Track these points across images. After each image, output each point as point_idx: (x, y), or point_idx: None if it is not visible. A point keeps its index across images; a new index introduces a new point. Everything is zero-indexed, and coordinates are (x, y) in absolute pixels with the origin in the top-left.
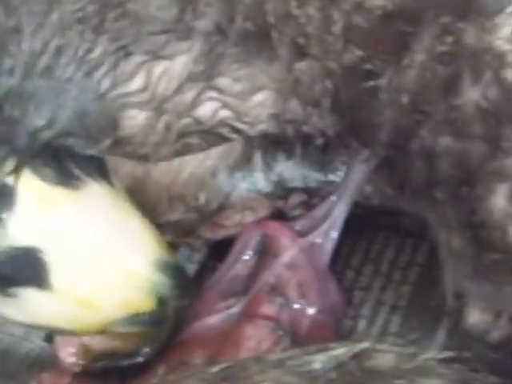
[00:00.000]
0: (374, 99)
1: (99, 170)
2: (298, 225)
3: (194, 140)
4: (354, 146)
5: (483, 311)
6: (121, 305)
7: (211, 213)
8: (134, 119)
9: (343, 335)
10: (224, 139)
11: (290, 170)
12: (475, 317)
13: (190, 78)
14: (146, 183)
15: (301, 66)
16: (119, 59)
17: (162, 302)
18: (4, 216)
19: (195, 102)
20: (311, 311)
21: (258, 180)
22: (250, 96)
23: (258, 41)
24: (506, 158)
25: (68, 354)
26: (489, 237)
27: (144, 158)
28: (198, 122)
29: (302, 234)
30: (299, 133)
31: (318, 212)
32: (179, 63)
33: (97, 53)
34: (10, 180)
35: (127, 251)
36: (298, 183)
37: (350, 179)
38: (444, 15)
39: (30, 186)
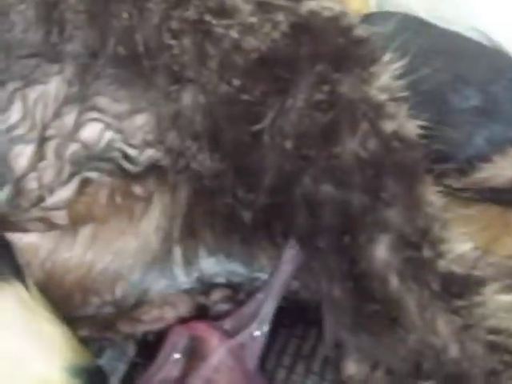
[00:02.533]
0: (258, 143)
1: (12, 268)
2: (226, 324)
3: (91, 174)
4: (239, 194)
5: (359, 362)
6: None
7: (129, 308)
8: (22, 155)
9: None
10: (121, 170)
11: (212, 265)
12: (352, 368)
13: (67, 100)
14: (59, 276)
15: (180, 95)
16: None
17: None
18: None
19: (78, 125)
20: None
21: (178, 275)
22: (131, 117)
23: (133, 66)
24: (386, 209)
25: None
26: (369, 287)
27: (43, 208)
28: (85, 146)
29: (230, 334)
30: (189, 170)
31: (246, 310)
32: (53, 86)
33: None
34: None
35: (39, 358)
36: (220, 279)
37: (277, 276)
38: (319, 64)
39: None
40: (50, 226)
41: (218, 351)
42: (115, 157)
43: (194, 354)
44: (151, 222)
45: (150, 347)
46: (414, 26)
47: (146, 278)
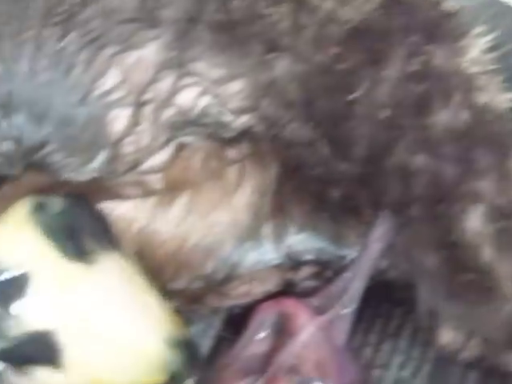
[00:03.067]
0: (351, 112)
1: (109, 239)
2: (314, 302)
3: (187, 138)
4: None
5: (456, 330)
6: (133, 382)
7: (218, 283)
8: (119, 119)
9: None
10: (215, 135)
11: (301, 242)
12: (448, 336)
13: (165, 65)
14: (152, 249)
15: (275, 63)
16: (91, 55)
17: (174, 378)
18: (17, 306)
19: (174, 90)
20: None
21: (268, 251)
22: (228, 82)
23: (230, 32)
24: (478, 180)
25: None
26: (463, 256)
27: (139, 172)
28: (181, 111)
29: (318, 311)
30: (281, 139)
31: (334, 288)
32: (151, 51)
33: (69, 51)
34: (23, 267)
35: (140, 329)
36: (309, 256)
37: (366, 255)
38: (412, 36)
39: (46, 265)
40: (145, 190)
41: (307, 327)
42: (210, 122)
43: (283, 331)
44: (243, 198)
45: (236, 321)
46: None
47: (237, 253)
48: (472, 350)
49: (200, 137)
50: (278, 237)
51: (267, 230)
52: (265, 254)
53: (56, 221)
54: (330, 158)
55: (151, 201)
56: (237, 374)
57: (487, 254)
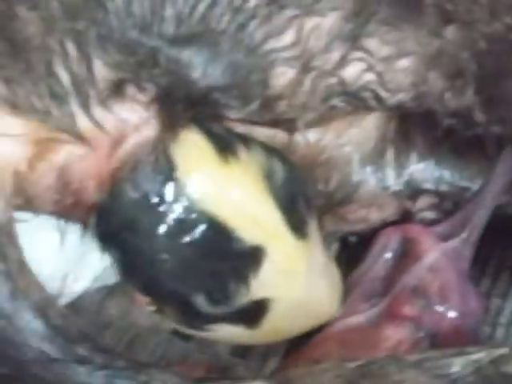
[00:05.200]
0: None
1: (313, 205)
2: (438, 229)
3: (338, 103)
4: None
5: None
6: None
7: (337, 202)
8: (283, 76)
9: (481, 342)
10: (365, 107)
11: (422, 170)
12: None
13: (339, 37)
14: None
15: (447, 33)
16: (272, 12)
17: None
18: (250, 276)
19: (342, 62)
20: (452, 315)
21: (389, 177)
22: (396, 61)
23: (408, 4)
24: None
25: None
26: None
27: (290, 124)
28: (342, 82)
29: (442, 238)
30: (429, 112)
31: (458, 218)
32: (330, 20)
33: (251, 4)
34: (261, 240)
35: (327, 299)
36: (429, 185)
37: (489, 188)
38: None
39: (280, 245)
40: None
41: (431, 252)
42: (366, 96)
43: (406, 255)
44: (372, 120)
45: (350, 251)
46: None
47: (359, 174)
48: None
49: (351, 105)
50: (400, 163)
51: (390, 155)
52: (385, 179)
53: (283, 190)
54: (486, 122)
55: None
56: (360, 295)
57: None
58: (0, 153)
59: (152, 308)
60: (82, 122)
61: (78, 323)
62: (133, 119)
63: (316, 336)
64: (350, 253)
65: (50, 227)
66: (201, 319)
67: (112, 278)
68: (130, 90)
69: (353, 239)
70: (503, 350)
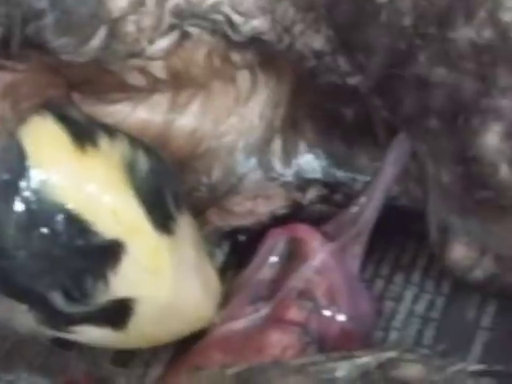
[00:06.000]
0: (374, 19)
1: (184, 200)
2: (326, 228)
3: (192, 29)
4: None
5: (468, 247)
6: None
7: (222, 194)
8: None
9: (373, 347)
10: (222, 34)
11: (310, 161)
12: (459, 252)
13: None
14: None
15: None
16: None
17: None
18: (108, 273)
19: None
20: (341, 318)
21: (276, 167)
22: None
23: None
24: (501, 98)
25: None
26: (480, 173)
27: (141, 56)
28: (188, 1)
29: (330, 237)
30: (292, 50)
31: (346, 215)
32: None
33: None
34: (120, 234)
35: (201, 300)
36: (318, 176)
37: (380, 180)
38: None
39: (140, 236)
40: (150, 79)
41: (318, 253)
42: (218, 20)
43: (293, 256)
44: (256, 107)
45: (241, 251)
46: None
47: (244, 165)
48: (485, 268)
49: (206, 32)
50: (287, 153)
51: (277, 144)
52: (272, 169)
53: (147, 183)
54: (346, 70)
55: (165, 105)
56: (245, 300)
57: (504, 172)
58: None
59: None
60: None
61: None
62: None
63: (199, 342)
64: (240, 254)
65: None
66: (62, 319)
67: None
68: None
69: (242, 238)
70: (391, 354)
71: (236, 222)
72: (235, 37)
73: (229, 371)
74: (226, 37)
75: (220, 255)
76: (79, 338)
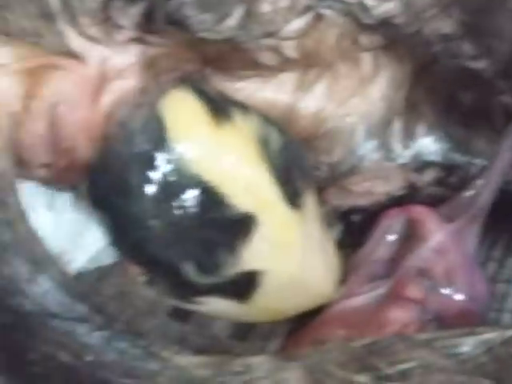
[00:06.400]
0: (503, 5)
1: (311, 176)
2: (443, 210)
3: (325, 11)
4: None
5: None
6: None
7: (341, 174)
8: None
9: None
10: (354, 17)
11: (429, 143)
12: None
13: None
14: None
15: None
16: None
17: None
18: (240, 245)
19: None
20: (459, 298)
21: (395, 149)
22: None
23: None
24: None
25: None
26: None
27: (275, 36)
28: None
29: (447, 219)
30: (419, 34)
31: (463, 198)
32: None
33: None
34: (253, 208)
35: (323, 276)
36: (436, 159)
37: (497, 164)
38: None
39: (272, 214)
40: (281, 58)
41: (437, 234)
42: (351, 2)
43: (410, 237)
44: (378, 90)
45: (354, 230)
46: None
47: (364, 145)
48: None
49: (339, 13)
50: (407, 135)
51: (397, 126)
52: (392, 151)
53: (279, 159)
54: (471, 54)
55: (292, 84)
56: (363, 277)
57: None
58: None
59: (144, 279)
60: (72, 42)
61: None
62: (115, 61)
63: (317, 317)
64: (354, 234)
65: (43, 207)
66: (190, 290)
67: (108, 258)
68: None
69: (356, 218)
70: None
71: (353, 202)
72: (366, 19)
73: (356, 343)
74: (357, 19)
75: (334, 234)
76: (203, 309)
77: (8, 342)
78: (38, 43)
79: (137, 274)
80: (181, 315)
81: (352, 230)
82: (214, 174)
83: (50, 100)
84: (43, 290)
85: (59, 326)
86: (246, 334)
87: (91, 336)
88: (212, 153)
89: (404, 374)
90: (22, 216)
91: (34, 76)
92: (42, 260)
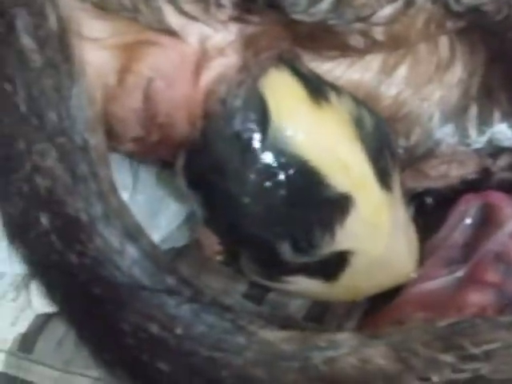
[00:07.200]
0: None
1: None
2: None
3: None
4: None
5: None
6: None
7: (418, 157)
8: None
9: None
10: (442, 2)
11: (504, 129)
12: None
13: None
14: None
15: None
16: None
17: None
18: (336, 225)
19: None
20: None
21: (471, 134)
22: None
23: None
24: None
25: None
26: None
27: (366, 21)
28: None
29: None
30: (506, 22)
31: None
32: None
33: None
34: (350, 188)
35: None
36: (510, 144)
37: None
38: None
39: (367, 194)
40: (369, 42)
41: None
42: None
43: (487, 222)
44: (454, 75)
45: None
46: None
47: (441, 130)
48: None
49: (429, 0)
50: (483, 120)
51: (473, 112)
52: (467, 136)
53: (372, 140)
54: None
55: (376, 66)
56: (440, 261)
57: None
58: (90, 62)
59: (223, 259)
60: (170, 18)
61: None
62: (216, 39)
63: (394, 299)
64: (427, 216)
65: (118, 187)
66: (280, 269)
67: (181, 239)
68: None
69: (429, 201)
70: None
71: (428, 184)
72: (455, 6)
73: (440, 323)
74: (447, 6)
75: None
76: (288, 288)
77: (100, 313)
78: (136, 18)
79: (212, 255)
80: (256, 297)
81: (424, 211)
82: (314, 154)
83: (145, 75)
84: (134, 262)
85: (149, 298)
86: (320, 315)
87: (180, 308)
88: (312, 132)
89: (488, 355)
90: (113, 188)
91: (130, 51)
92: (132, 232)
